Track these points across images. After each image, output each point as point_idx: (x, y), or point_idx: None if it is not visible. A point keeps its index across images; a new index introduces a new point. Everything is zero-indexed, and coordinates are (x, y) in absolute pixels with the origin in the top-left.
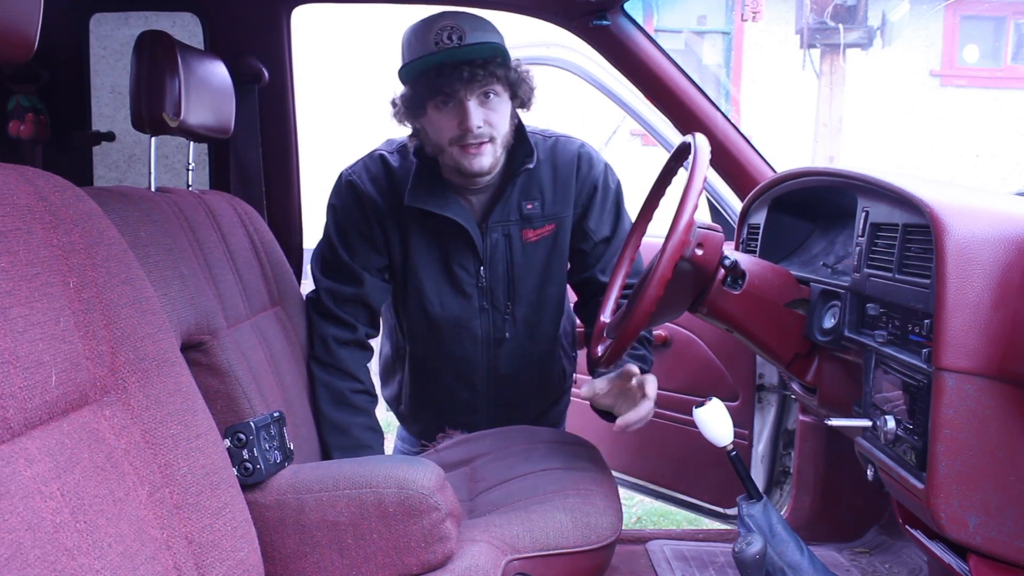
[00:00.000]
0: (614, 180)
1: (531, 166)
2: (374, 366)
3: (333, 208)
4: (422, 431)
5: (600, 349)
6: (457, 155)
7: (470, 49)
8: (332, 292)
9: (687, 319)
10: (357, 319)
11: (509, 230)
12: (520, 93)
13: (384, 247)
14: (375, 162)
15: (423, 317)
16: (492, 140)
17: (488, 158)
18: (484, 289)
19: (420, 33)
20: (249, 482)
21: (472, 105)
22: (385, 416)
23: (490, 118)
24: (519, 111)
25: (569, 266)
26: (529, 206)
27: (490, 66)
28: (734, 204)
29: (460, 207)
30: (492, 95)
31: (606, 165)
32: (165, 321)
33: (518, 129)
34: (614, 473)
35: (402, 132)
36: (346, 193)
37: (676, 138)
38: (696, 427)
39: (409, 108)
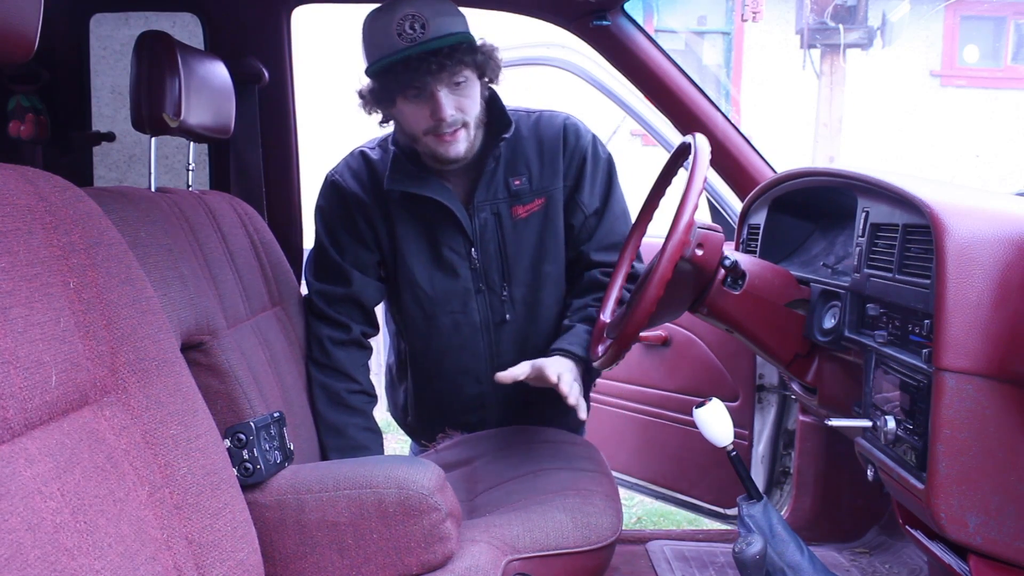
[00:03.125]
0: (604, 152)
1: (507, 135)
2: (380, 383)
3: (320, 210)
4: (432, 438)
5: (600, 349)
6: (432, 144)
7: (436, 41)
8: (324, 294)
9: (687, 319)
10: (351, 319)
11: (498, 208)
12: (488, 72)
13: (373, 242)
14: (356, 159)
15: (418, 307)
16: (465, 125)
17: (463, 144)
18: (477, 271)
19: (381, 24)
20: (249, 482)
21: (443, 95)
22: (384, 416)
23: (461, 104)
24: (491, 86)
25: None
26: (516, 182)
27: (457, 54)
28: (734, 204)
29: (442, 188)
30: (462, 81)
31: (594, 137)
32: (165, 321)
33: (492, 103)
34: (614, 473)
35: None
36: (330, 193)
37: (676, 138)
38: (696, 427)
39: (378, 101)
